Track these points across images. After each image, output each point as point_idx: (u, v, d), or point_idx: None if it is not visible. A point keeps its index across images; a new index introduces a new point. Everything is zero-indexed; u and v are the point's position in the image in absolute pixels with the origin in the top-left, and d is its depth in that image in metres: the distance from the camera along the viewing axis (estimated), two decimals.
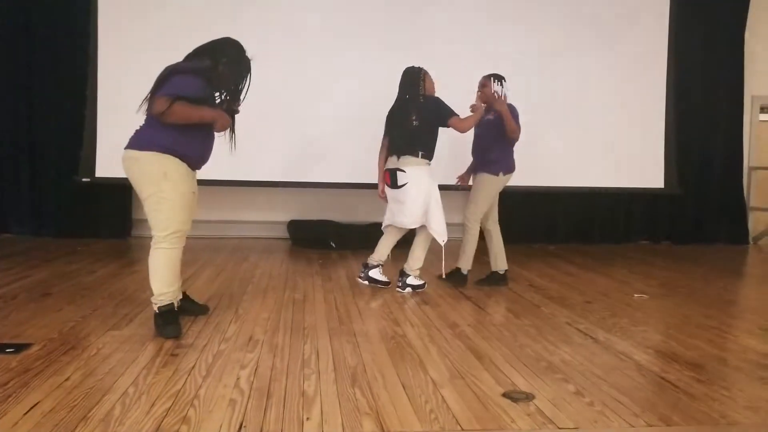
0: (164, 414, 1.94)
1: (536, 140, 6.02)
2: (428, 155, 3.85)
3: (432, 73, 3.98)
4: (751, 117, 6.86)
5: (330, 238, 5.71)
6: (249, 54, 3.03)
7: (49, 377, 2.22)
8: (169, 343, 2.67)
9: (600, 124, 6.21)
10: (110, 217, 5.94)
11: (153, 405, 2.01)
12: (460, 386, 2.26)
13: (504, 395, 2.19)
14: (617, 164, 6.25)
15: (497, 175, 4.04)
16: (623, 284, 4.39)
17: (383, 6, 5.88)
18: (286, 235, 6.08)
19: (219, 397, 2.09)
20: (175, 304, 2.90)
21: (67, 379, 2.21)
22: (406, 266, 3.93)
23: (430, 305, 3.56)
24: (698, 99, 6.58)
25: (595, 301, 3.82)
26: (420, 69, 3.90)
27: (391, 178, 3.85)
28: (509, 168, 4.10)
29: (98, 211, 5.93)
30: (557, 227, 6.54)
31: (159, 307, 2.83)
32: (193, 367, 2.39)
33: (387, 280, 4.01)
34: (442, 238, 3.82)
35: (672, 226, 6.77)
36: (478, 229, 4.07)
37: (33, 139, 5.77)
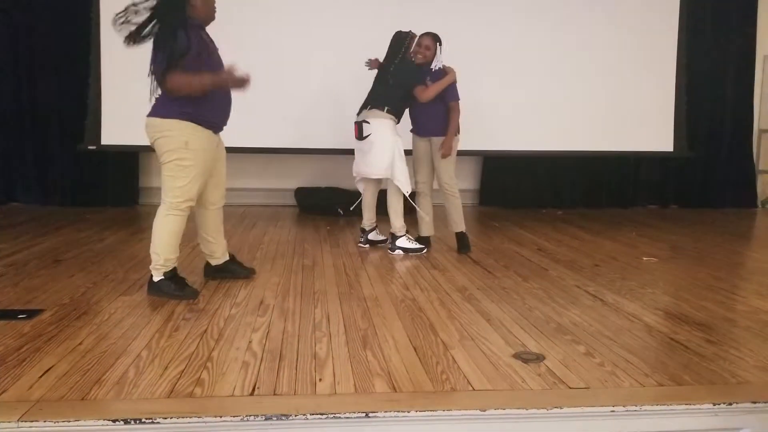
0: (178, 376, 1.96)
1: (543, 103, 5.95)
2: (395, 113, 3.97)
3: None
4: (762, 77, 6.72)
5: (337, 205, 5.70)
6: None
7: (63, 342, 2.24)
8: (180, 308, 2.68)
9: (607, 86, 6.10)
10: (117, 184, 5.93)
11: (166, 368, 2.03)
12: (470, 348, 2.27)
13: (514, 356, 2.20)
14: (625, 127, 6.15)
15: (455, 135, 3.98)
16: (631, 248, 4.37)
17: None
18: (294, 202, 6.07)
19: (232, 359, 2.11)
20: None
21: (80, 344, 2.23)
22: (392, 228, 4.03)
23: (438, 269, 3.57)
24: (708, 59, 6.42)
25: (604, 264, 3.81)
26: (407, 34, 3.99)
27: (357, 129, 4.00)
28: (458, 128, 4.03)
29: (105, 179, 5.92)
30: (564, 192, 6.49)
31: (165, 273, 2.85)
32: (205, 330, 2.40)
33: (385, 237, 4.20)
34: (406, 188, 3.94)
35: (679, 189, 6.71)
36: (457, 188, 4.05)
37: (37, 108, 5.72)
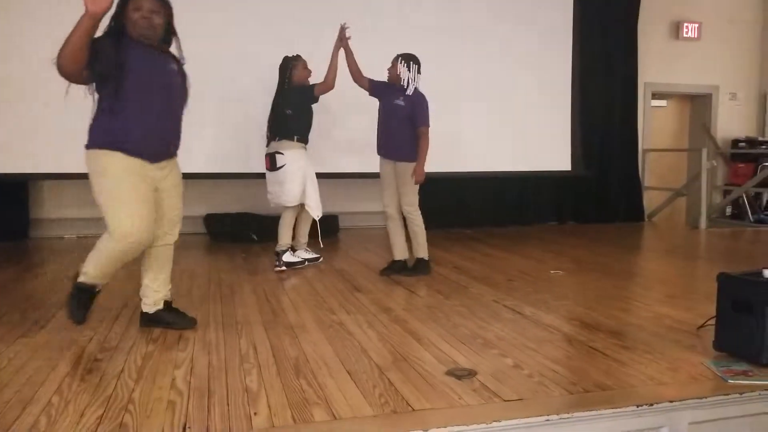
0: (97, 422, 1.80)
1: (448, 126, 6.12)
2: (303, 139, 4.20)
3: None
4: (644, 103, 7.38)
5: (251, 231, 5.55)
6: None
7: None
8: (90, 347, 2.48)
9: (509, 110, 6.42)
10: (5, 216, 5.41)
11: (83, 414, 1.86)
12: (404, 368, 2.27)
13: (448, 373, 2.22)
14: (527, 149, 6.50)
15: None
16: (539, 262, 4.59)
17: None
18: (203, 230, 5.84)
19: (155, 399, 1.97)
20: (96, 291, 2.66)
21: None
22: (294, 243, 4.30)
23: (362, 292, 3.55)
24: (599, 86, 6.95)
25: (517, 279, 3.97)
26: (291, 59, 4.17)
27: (270, 161, 4.16)
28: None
29: None
30: (472, 211, 6.71)
31: (79, 282, 2.58)
32: (122, 370, 2.23)
33: (301, 259, 4.28)
34: (316, 213, 4.22)
35: (575, 207, 7.17)
36: (420, 214, 4.01)
37: None
